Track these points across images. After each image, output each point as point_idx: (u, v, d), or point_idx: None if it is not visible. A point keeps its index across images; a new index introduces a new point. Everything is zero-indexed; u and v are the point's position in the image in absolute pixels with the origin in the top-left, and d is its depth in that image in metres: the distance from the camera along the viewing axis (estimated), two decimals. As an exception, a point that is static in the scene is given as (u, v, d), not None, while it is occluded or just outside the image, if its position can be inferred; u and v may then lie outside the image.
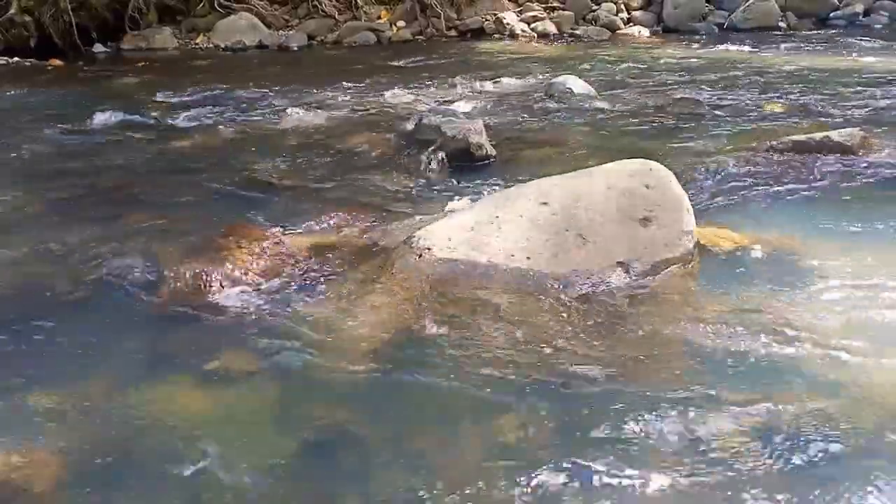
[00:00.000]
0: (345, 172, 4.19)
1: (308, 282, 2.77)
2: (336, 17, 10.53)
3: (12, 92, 6.96)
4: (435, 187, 3.90)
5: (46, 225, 3.50)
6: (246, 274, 2.75)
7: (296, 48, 9.96)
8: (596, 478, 1.78)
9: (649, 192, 2.92)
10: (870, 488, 1.72)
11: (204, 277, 2.73)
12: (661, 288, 2.65)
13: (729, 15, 10.22)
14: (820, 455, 1.82)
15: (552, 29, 10.27)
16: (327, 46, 10.10)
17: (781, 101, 5.55)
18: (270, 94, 6.52)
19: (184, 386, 2.23)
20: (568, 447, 1.88)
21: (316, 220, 3.34)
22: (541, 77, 6.72)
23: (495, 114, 5.45)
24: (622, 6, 10.69)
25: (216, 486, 1.83)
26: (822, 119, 4.94)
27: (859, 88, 5.88)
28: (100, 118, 5.50)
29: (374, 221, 3.33)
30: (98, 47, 9.95)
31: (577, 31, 10.14)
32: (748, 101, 5.58)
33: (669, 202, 2.92)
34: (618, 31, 10.10)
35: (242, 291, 2.68)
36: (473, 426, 2.00)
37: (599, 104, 5.58)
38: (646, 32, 10.01)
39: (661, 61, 7.66)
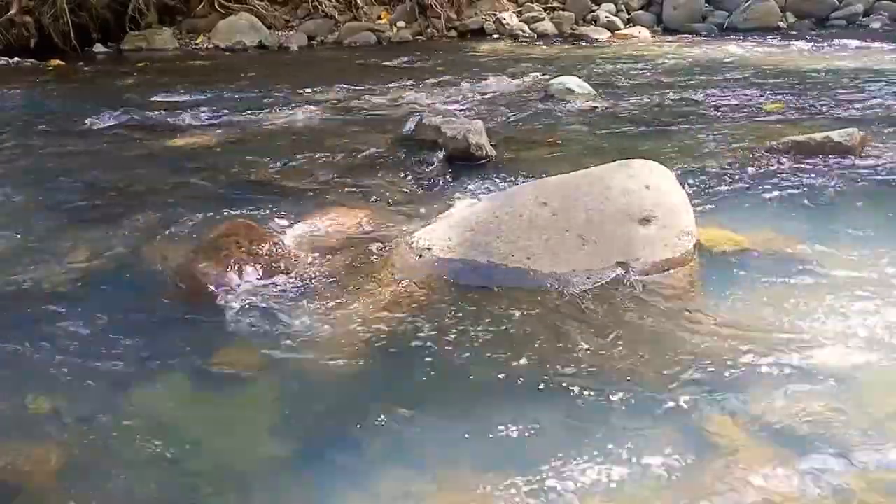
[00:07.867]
0: (345, 172, 4.19)
1: (308, 282, 2.77)
2: (336, 17, 10.53)
3: (12, 92, 6.96)
4: (435, 187, 3.90)
5: (46, 224, 3.50)
6: (246, 274, 2.75)
7: (296, 49, 9.96)
8: (594, 478, 1.78)
9: (649, 192, 2.92)
10: (869, 487, 1.72)
11: (204, 277, 2.73)
12: (661, 288, 2.65)
13: (729, 15, 10.22)
14: (819, 454, 1.82)
15: (552, 29, 10.27)
16: (327, 47, 10.10)
17: (781, 101, 5.55)
18: (270, 94, 6.52)
19: (183, 385, 2.24)
20: (567, 447, 1.88)
21: (316, 220, 3.34)
22: (541, 77, 6.72)
23: (495, 114, 5.45)
24: (622, 7, 10.70)
25: (216, 484, 1.83)
26: (822, 119, 4.94)
27: (859, 88, 5.89)
28: (100, 118, 5.51)
29: (373, 221, 3.33)
30: (98, 47, 9.95)
31: (578, 32, 10.14)
32: (748, 101, 5.58)
33: (669, 202, 2.92)
34: (618, 32, 10.09)
35: (242, 291, 2.68)
36: (472, 426, 2.00)
37: (599, 104, 5.58)
38: (646, 33, 10.00)
39: (661, 62, 7.65)
